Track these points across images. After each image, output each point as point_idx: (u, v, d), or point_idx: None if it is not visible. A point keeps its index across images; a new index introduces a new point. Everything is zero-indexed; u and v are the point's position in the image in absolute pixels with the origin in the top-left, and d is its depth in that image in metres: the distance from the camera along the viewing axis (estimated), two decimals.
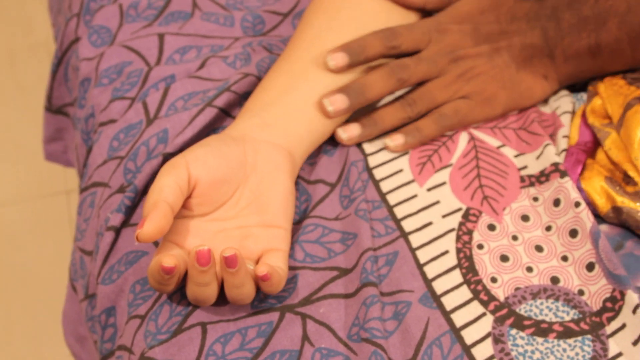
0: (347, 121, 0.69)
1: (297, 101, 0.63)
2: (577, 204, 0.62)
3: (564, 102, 0.70)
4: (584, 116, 0.69)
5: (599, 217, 0.64)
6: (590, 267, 0.60)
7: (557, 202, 0.63)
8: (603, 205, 0.63)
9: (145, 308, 0.57)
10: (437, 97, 0.69)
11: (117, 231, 0.62)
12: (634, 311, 0.57)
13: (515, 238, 0.63)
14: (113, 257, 0.61)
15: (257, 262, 0.57)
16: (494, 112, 0.70)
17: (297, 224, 0.63)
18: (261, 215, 0.58)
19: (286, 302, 0.57)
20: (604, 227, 0.63)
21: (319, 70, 0.65)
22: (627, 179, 0.64)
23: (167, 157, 0.65)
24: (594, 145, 0.68)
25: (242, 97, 0.70)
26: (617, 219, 0.63)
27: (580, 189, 0.64)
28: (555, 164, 0.65)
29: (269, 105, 0.63)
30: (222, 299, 0.57)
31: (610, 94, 0.68)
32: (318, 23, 0.67)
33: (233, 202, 0.58)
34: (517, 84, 0.70)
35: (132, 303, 0.58)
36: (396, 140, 0.67)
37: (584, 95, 0.72)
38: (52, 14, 0.98)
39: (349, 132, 0.67)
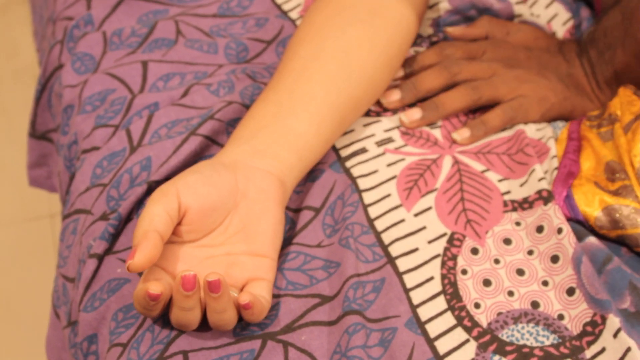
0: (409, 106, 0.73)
1: (286, 129, 0.62)
2: (559, 230, 0.62)
3: (546, 131, 0.72)
4: (569, 132, 0.70)
5: (588, 230, 0.64)
6: (570, 291, 0.60)
7: (540, 229, 0.63)
8: (593, 209, 0.63)
9: (127, 336, 0.56)
10: (500, 87, 0.72)
11: (100, 259, 0.61)
12: (615, 335, 0.56)
13: (497, 261, 0.62)
14: (95, 285, 0.60)
15: (241, 290, 0.56)
16: (548, 115, 0.73)
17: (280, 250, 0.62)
18: (249, 243, 0.58)
19: (268, 330, 0.56)
20: (592, 240, 0.63)
21: (305, 101, 0.64)
22: (612, 177, 0.64)
23: (151, 185, 0.64)
24: (579, 150, 0.69)
25: (228, 125, 0.69)
26: (609, 219, 0.63)
27: (569, 196, 0.64)
28: (539, 192, 0.65)
29: (258, 132, 0.62)
30: (205, 325, 0.56)
31: (624, 102, 0.70)
32: (304, 52, 0.67)
33: (222, 229, 0.58)
34: (568, 98, 0.74)
35: (114, 331, 0.57)
36: (463, 134, 0.70)
37: (559, 124, 0.73)
38: (36, 39, 0.97)
39: (410, 117, 0.71)
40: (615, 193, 0.63)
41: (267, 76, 0.76)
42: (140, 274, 0.59)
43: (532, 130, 0.72)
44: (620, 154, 0.65)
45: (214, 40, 0.79)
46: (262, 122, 0.63)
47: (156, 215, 0.53)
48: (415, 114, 0.71)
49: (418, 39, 0.80)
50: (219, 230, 0.58)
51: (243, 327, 0.56)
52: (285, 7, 0.84)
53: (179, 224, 0.56)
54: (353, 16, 0.69)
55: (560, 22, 0.82)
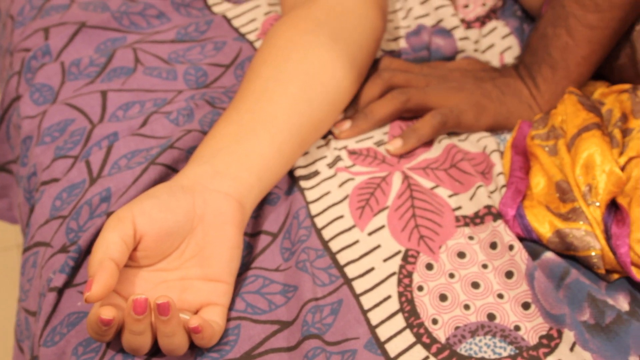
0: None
1: (246, 151, 0.61)
2: (510, 247, 0.61)
3: (489, 141, 0.70)
4: (513, 147, 0.69)
5: (544, 246, 0.63)
6: (526, 306, 0.59)
7: (493, 245, 0.62)
8: (546, 231, 0.62)
9: None
10: (430, 94, 0.72)
11: (60, 292, 0.59)
12: (572, 349, 0.56)
13: (452, 276, 0.61)
14: (55, 319, 0.58)
15: (195, 314, 0.55)
16: (485, 120, 0.72)
17: (238, 276, 0.60)
18: (204, 268, 0.56)
19: (228, 357, 0.54)
20: (549, 255, 0.62)
21: (266, 122, 0.63)
22: (564, 197, 0.63)
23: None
24: (526, 169, 0.67)
25: (188, 152, 0.67)
26: (561, 243, 0.62)
27: (522, 216, 0.63)
28: (488, 207, 0.64)
29: (219, 152, 0.60)
30: (165, 357, 0.55)
31: (570, 112, 0.68)
32: (266, 74, 0.65)
33: (178, 254, 0.56)
34: (505, 103, 0.73)
35: None
36: (395, 144, 0.69)
37: (507, 136, 0.72)
38: None
39: (340, 127, 0.71)
40: (566, 218, 0.62)
41: (226, 101, 0.74)
42: None
43: (472, 141, 0.71)
44: (566, 174, 0.64)
45: (173, 67, 0.77)
46: (223, 142, 0.61)
47: (112, 243, 0.51)
48: (344, 124, 0.71)
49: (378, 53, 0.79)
50: (175, 254, 0.56)
51: (203, 355, 0.55)
52: (243, 30, 0.82)
53: (134, 249, 0.54)
54: (314, 40, 0.67)
55: (512, 55, 0.81)
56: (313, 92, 0.65)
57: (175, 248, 0.56)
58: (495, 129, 0.73)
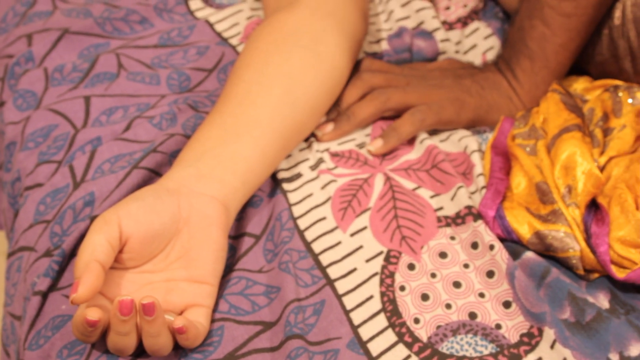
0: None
1: (230, 154, 0.61)
2: (491, 247, 0.62)
3: (470, 141, 0.71)
4: (493, 148, 0.70)
5: (524, 246, 0.64)
6: (507, 304, 0.60)
7: (475, 245, 0.63)
8: (526, 232, 0.63)
9: None
10: (410, 93, 0.72)
11: (44, 296, 0.59)
12: (552, 347, 0.56)
13: (434, 275, 0.62)
14: (40, 322, 0.58)
15: (179, 315, 0.55)
16: (466, 114, 0.73)
17: (222, 277, 0.61)
18: (189, 270, 0.56)
19: (211, 357, 0.55)
20: (530, 255, 0.62)
21: (249, 126, 0.63)
22: (543, 199, 0.64)
23: (94, 221, 0.62)
24: (506, 170, 0.68)
25: (171, 156, 0.67)
26: (541, 244, 0.62)
27: (502, 217, 0.64)
28: (469, 207, 0.65)
29: (203, 155, 0.61)
30: (149, 359, 0.55)
31: (552, 111, 0.69)
32: (248, 77, 0.66)
33: (163, 256, 0.57)
34: (484, 97, 0.73)
35: None
36: (376, 144, 0.70)
37: (488, 135, 0.73)
38: None
39: (323, 129, 0.71)
40: (545, 219, 0.63)
41: (209, 105, 0.75)
42: None
43: (453, 141, 0.72)
44: (546, 175, 0.65)
45: (156, 72, 0.78)
46: (207, 145, 0.62)
47: (98, 245, 0.52)
48: (327, 127, 0.71)
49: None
50: (160, 256, 0.57)
51: (187, 355, 0.55)
52: (226, 35, 0.83)
53: (120, 251, 0.54)
54: (296, 42, 0.68)
55: (494, 55, 0.82)
56: (296, 95, 0.66)
57: (160, 250, 0.57)
58: (477, 124, 0.74)
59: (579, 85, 0.77)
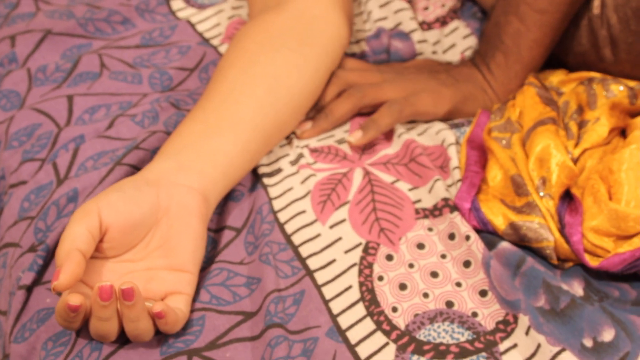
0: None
1: (212, 148, 0.63)
2: (467, 237, 0.63)
3: (447, 134, 0.72)
4: (469, 142, 0.71)
5: (500, 237, 0.65)
6: (483, 293, 0.61)
7: (452, 236, 0.64)
8: (500, 224, 0.64)
9: None
10: (386, 88, 0.74)
11: (29, 290, 0.60)
12: (527, 332, 0.58)
13: (411, 266, 0.63)
14: (25, 316, 0.59)
15: None
16: (442, 105, 0.74)
17: (203, 270, 0.62)
18: (169, 258, 0.58)
19: (193, 346, 0.56)
20: (505, 245, 0.64)
21: (232, 122, 0.64)
22: (518, 191, 0.65)
23: None
24: (482, 164, 0.70)
25: (153, 153, 0.69)
26: (516, 235, 0.64)
27: (478, 209, 0.65)
28: (445, 199, 0.67)
29: (184, 149, 0.62)
30: (132, 347, 0.56)
31: (528, 105, 0.71)
32: (233, 76, 0.67)
33: (143, 245, 0.58)
34: (460, 88, 0.75)
35: None
36: (356, 135, 0.71)
37: (466, 129, 0.74)
38: None
39: (301, 127, 0.72)
40: (520, 211, 0.64)
41: (191, 103, 0.76)
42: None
43: (431, 135, 0.73)
44: (520, 168, 0.66)
45: (138, 71, 0.79)
46: (189, 139, 0.63)
47: (78, 235, 0.53)
48: (306, 124, 0.73)
49: None
50: (140, 246, 0.58)
51: (169, 345, 0.56)
52: (207, 35, 0.84)
53: (100, 241, 0.56)
54: (282, 44, 0.69)
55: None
56: (279, 95, 0.67)
57: (140, 239, 0.58)
58: (454, 115, 0.76)
59: (555, 78, 0.79)
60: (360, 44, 0.84)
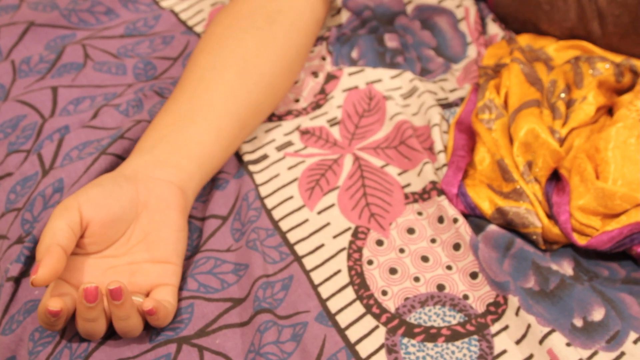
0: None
1: (185, 139, 0.63)
2: (455, 220, 0.63)
3: (432, 114, 0.72)
4: (457, 124, 0.71)
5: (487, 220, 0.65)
6: (474, 275, 0.61)
7: (441, 219, 0.64)
8: (488, 208, 0.65)
9: (46, 354, 0.55)
10: None
11: (17, 281, 0.60)
12: (517, 313, 0.58)
13: (402, 251, 0.64)
14: (13, 307, 0.59)
15: (147, 296, 0.57)
16: None
17: (189, 259, 0.62)
18: (151, 251, 0.58)
19: (182, 334, 0.56)
20: (493, 227, 0.64)
21: (204, 110, 0.65)
22: (505, 176, 0.65)
23: None
24: (470, 147, 0.69)
25: (137, 142, 0.69)
26: (503, 220, 0.64)
27: (465, 194, 0.65)
28: (433, 182, 0.66)
29: (159, 143, 0.62)
30: (121, 338, 0.56)
31: (513, 83, 0.70)
32: (203, 62, 0.67)
33: (124, 240, 0.58)
34: None
35: (32, 351, 0.56)
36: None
37: (456, 109, 0.74)
38: None
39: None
40: (507, 196, 0.64)
41: None
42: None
43: (422, 113, 0.73)
44: (503, 154, 0.66)
45: (122, 62, 0.79)
46: (162, 132, 0.63)
47: (58, 230, 0.53)
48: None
49: (317, 41, 0.81)
50: (121, 240, 0.58)
51: (158, 333, 0.56)
52: (190, 23, 0.84)
53: (81, 236, 0.56)
54: (250, 24, 0.69)
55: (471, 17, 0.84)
56: (249, 76, 0.67)
57: (121, 234, 0.58)
58: None
59: (551, 46, 0.79)
60: (341, 14, 0.83)
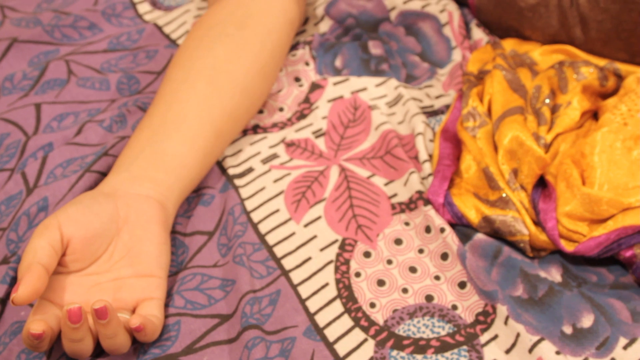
0: None
1: (160, 153, 0.63)
2: (442, 230, 0.63)
3: (416, 122, 0.72)
4: (442, 132, 0.71)
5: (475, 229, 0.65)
6: (462, 285, 0.61)
7: (428, 229, 0.64)
8: (474, 217, 0.65)
9: None
10: None
11: (3, 302, 0.60)
12: (506, 322, 0.58)
13: (390, 262, 0.63)
14: None
15: (133, 311, 0.56)
16: None
17: (175, 275, 0.62)
18: (134, 266, 0.58)
19: (170, 351, 0.56)
20: (480, 236, 0.64)
21: (177, 122, 0.65)
22: (492, 184, 0.65)
23: None
24: (455, 156, 0.69)
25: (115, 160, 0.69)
26: (490, 228, 0.64)
27: (451, 204, 0.65)
28: (420, 192, 0.66)
29: (135, 159, 0.62)
30: (109, 355, 0.56)
31: (497, 90, 0.70)
32: (175, 76, 0.68)
33: (107, 256, 0.58)
34: None
35: None
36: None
37: (442, 117, 0.74)
38: None
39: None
40: (493, 204, 0.64)
41: None
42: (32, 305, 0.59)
43: (407, 122, 0.73)
44: (488, 163, 0.66)
45: (106, 77, 0.78)
46: (138, 149, 0.63)
47: (39, 248, 0.53)
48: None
49: (299, 45, 0.81)
50: (104, 257, 0.58)
51: (145, 351, 0.56)
52: (174, 36, 0.84)
53: (63, 254, 0.55)
54: (221, 32, 0.70)
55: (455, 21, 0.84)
56: (221, 84, 0.67)
57: (103, 251, 0.58)
58: None
59: (536, 50, 0.79)
60: (325, 21, 0.83)
